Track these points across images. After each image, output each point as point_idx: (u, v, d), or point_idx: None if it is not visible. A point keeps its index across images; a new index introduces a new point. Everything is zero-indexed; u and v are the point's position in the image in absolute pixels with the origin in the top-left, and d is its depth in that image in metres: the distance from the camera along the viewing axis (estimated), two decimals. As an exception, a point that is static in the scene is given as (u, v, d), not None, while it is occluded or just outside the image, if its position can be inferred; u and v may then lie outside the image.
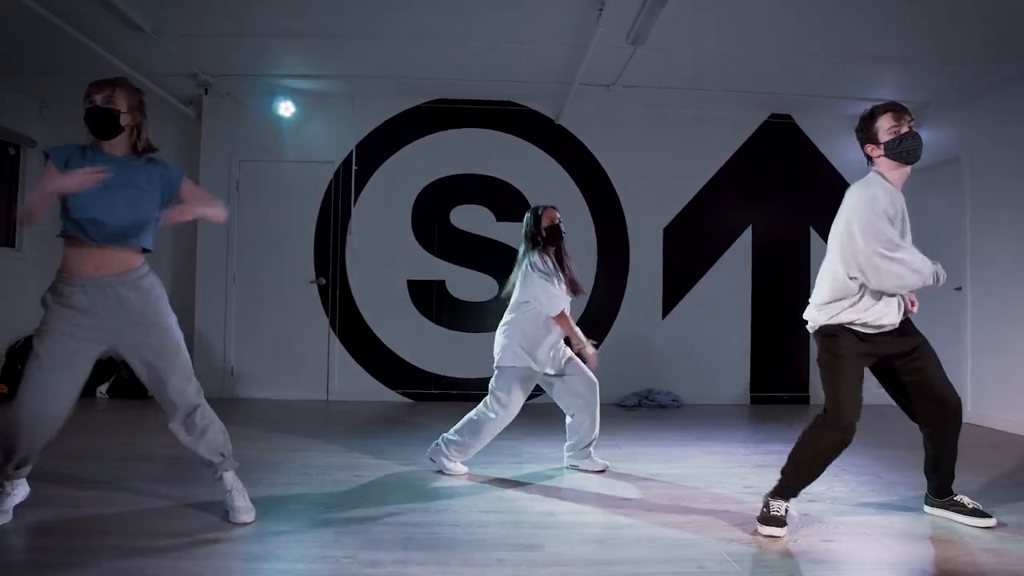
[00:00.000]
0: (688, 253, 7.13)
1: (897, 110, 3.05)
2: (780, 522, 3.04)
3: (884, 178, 3.07)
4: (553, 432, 5.48)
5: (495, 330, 6.84)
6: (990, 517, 3.16)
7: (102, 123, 2.98)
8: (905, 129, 3.03)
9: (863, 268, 2.99)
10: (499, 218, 7.00)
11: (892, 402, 3.31)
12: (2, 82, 6.56)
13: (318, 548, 2.80)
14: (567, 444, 4.35)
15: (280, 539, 2.92)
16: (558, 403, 4.36)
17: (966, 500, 3.25)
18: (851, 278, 3.04)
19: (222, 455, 3.19)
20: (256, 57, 6.12)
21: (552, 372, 4.25)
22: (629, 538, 3.01)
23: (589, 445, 4.28)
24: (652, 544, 2.93)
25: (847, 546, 2.93)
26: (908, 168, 3.10)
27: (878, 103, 3.13)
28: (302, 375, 6.92)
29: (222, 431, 3.24)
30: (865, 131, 3.12)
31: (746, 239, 7.14)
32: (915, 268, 2.99)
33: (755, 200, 7.09)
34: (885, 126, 3.04)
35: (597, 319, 7.06)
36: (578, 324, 6.84)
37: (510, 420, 4.10)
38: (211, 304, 6.92)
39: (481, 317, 6.98)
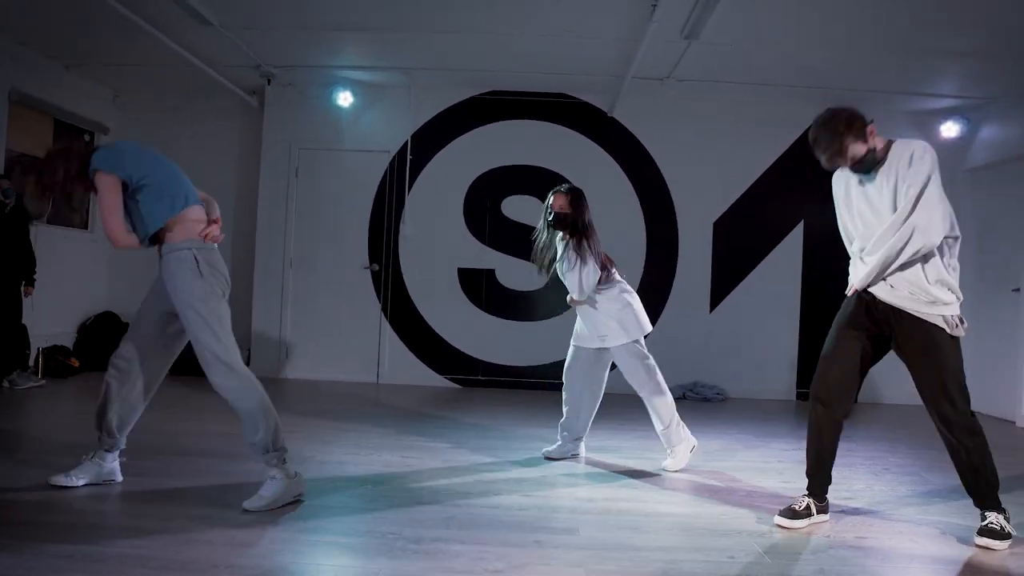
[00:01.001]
0: (738, 247, 7.12)
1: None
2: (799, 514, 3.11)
3: None
4: (599, 420, 5.56)
5: (543, 319, 7.04)
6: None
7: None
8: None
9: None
10: (550, 209, 7.08)
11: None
12: (79, 72, 6.89)
13: (366, 524, 2.96)
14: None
15: (331, 513, 3.08)
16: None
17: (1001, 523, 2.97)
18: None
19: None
20: (317, 49, 6.31)
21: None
22: (663, 526, 3.10)
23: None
24: (685, 532, 3.02)
25: (879, 543, 2.96)
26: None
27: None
28: (354, 358, 7.14)
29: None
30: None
31: (797, 235, 7.09)
32: None
33: (808, 196, 7.01)
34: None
35: (645, 310, 7.08)
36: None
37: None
38: (269, 287, 7.19)
39: (529, 306, 7.11)
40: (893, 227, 2.95)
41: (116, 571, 2.36)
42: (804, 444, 3.24)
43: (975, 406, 3.19)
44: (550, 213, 4.22)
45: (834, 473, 3.21)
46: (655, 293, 7.12)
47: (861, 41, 5.55)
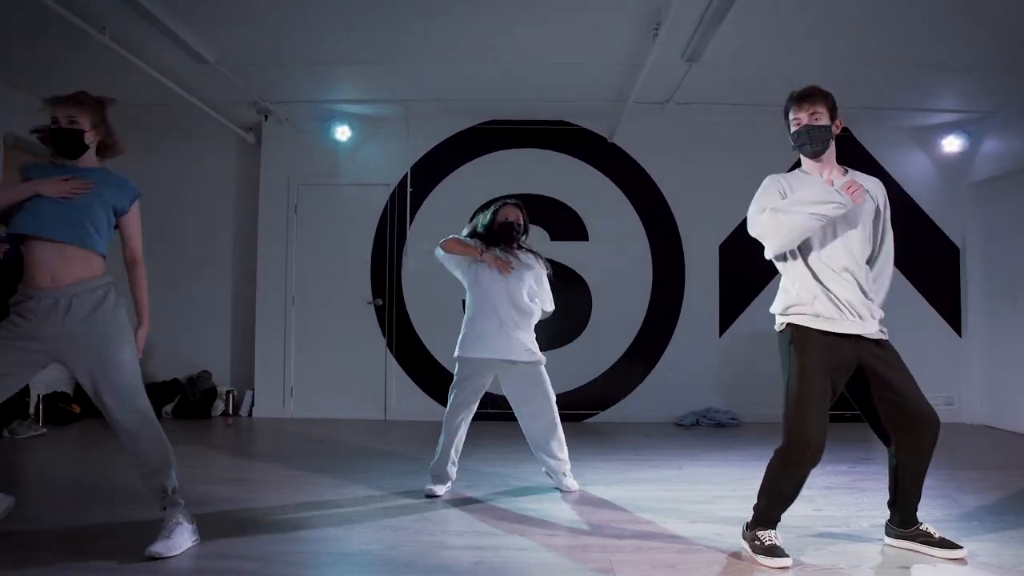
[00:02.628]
0: (745, 270, 7.04)
1: (800, 100, 2.99)
2: (780, 552, 2.93)
3: (802, 170, 3.13)
4: (615, 450, 5.47)
5: (551, 349, 6.91)
6: (959, 547, 2.96)
7: (66, 144, 3.00)
8: (804, 122, 2.97)
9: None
10: (553, 237, 7.02)
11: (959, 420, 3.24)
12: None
13: (389, 572, 2.83)
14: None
15: (351, 561, 2.96)
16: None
17: (932, 529, 3.05)
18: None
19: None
20: (313, 84, 6.26)
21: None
22: (700, 563, 2.98)
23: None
24: (724, 569, 2.90)
25: (923, 572, 2.85)
26: (819, 160, 3.04)
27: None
28: (360, 394, 7.00)
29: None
30: (785, 122, 3.11)
31: (804, 255, 7.02)
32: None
33: (813, 215, 6.97)
34: (791, 118, 3.03)
35: (653, 337, 7.02)
36: (634, 342, 6.94)
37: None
38: (271, 325, 7.07)
39: (536, 336, 6.97)
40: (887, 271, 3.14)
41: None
42: (829, 467, 3.18)
43: (990, 420, 3.22)
44: (508, 225, 4.12)
45: (864, 497, 3.15)
46: (663, 319, 7.04)
47: (860, 60, 5.53)
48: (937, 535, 3.02)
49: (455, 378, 4.07)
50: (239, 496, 4.01)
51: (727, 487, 4.34)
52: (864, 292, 2.97)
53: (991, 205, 6.81)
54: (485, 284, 4.01)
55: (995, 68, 5.59)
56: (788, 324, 3.04)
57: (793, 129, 3.01)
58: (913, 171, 7.03)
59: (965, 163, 6.97)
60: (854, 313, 2.92)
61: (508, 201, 4.19)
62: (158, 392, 7.05)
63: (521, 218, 4.15)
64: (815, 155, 3.02)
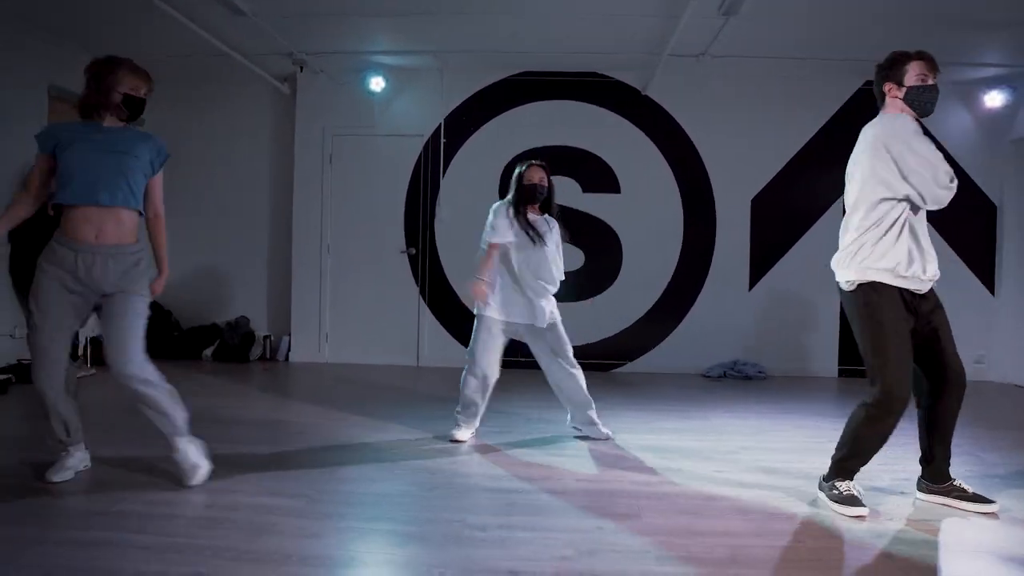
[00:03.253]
0: (776, 224, 7.04)
1: (931, 62, 3.04)
2: (858, 501, 3.06)
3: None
4: (644, 400, 5.60)
5: (579, 300, 7.04)
6: (992, 502, 3.07)
7: (138, 111, 3.20)
8: (931, 81, 3.01)
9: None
10: (585, 189, 7.06)
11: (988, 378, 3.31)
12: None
13: (429, 511, 2.99)
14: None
15: (391, 502, 3.12)
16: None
17: (965, 485, 3.16)
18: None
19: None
20: (348, 35, 6.29)
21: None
22: (723, 509, 3.10)
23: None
24: (746, 517, 3.01)
25: (951, 527, 2.94)
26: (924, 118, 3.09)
27: (907, 52, 3.09)
28: (393, 342, 7.18)
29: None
30: (892, 69, 3.09)
31: (836, 211, 6.97)
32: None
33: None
34: (915, 71, 3.02)
35: (683, 290, 7.08)
36: (663, 294, 7.01)
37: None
38: (307, 273, 7.24)
39: (567, 287, 7.05)
40: None
41: (192, 561, 2.41)
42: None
43: (1020, 379, 3.29)
44: (535, 188, 4.17)
45: (887, 453, 3.25)
46: (693, 272, 7.09)
47: (900, 15, 5.43)
48: (970, 490, 3.12)
49: (478, 331, 4.20)
50: (281, 437, 4.22)
51: (753, 438, 4.44)
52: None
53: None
54: (514, 259, 4.17)
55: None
56: (869, 282, 3.06)
57: (916, 83, 3.02)
58: (952, 126, 6.92)
59: (1007, 119, 6.85)
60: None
61: (533, 162, 4.24)
62: (198, 336, 7.30)
63: (545, 179, 4.20)
64: (928, 114, 3.07)
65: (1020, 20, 5.43)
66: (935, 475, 3.19)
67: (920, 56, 3.04)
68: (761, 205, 7.06)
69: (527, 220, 4.15)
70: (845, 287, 3.18)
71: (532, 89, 7.10)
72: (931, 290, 3.10)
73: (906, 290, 3.03)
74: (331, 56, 6.73)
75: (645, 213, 7.07)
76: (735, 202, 7.06)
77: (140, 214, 3.22)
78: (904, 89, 3.04)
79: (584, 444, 4.20)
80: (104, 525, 2.72)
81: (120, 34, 6.14)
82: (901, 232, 3.01)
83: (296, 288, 7.25)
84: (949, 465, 3.19)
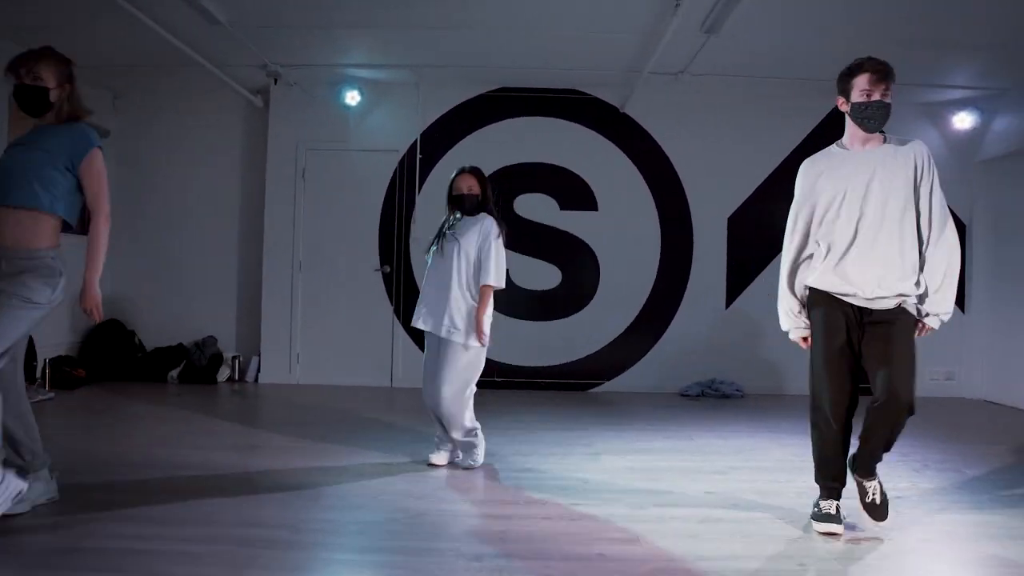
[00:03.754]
0: (753, 242, 7.05)
1: (877, 74, 2.93)
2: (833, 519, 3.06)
3: (841, 140, 3.12)
4: (624, 420, 5.53)
5: (558, 318, 6.97)
6: (839, 525, 3.01)
7: (30, 101, 2.90)
8: (876, 96, 2.92)
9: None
10: (562, 206, 7.01)
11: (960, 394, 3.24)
12: (77, 74, 6.70)
13: (420, 540, 2.86)
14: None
15: (379, 529, 3.00)
16: None
17: (871, 491, 3.06)
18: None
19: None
20: (324, 47, 6.18)
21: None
22: (722, 532, 3.03)
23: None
24: (747, 539, 2.94)
25: (947, 546, 2.91)
26: (871, 134, 3.00)
27: (859, 62, 2.98)
28: (367, 362, 7.02)
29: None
30: (841, 83, 3.04)
31: (812, 228, 7.04)
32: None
33: (822, 189, 6.98)
34: (860, 86, 2.94)
35: (660, 308, 7.05)
36: (641, 313, 6.98)
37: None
38: (277, 291, 7.05)
39: (544, 305, 7.03)
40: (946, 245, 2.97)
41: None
42: None
43: (990, 395, 3.21)
44: (462, 199, 4.03)
45: (878, 469, 3.19)
46: (670, 290, 7.06)
47: (874, 36, 5.47)
48: (870, 498, 3.06)
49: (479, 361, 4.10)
50: (258, 463, 4.04)
51: (739, 458, 4.40)
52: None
53: (1000, 183, 6.83)
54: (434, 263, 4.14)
55: (1009, 47, 5.58)
56: None
57: (859, 99, 2.94)
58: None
59: (975, 140, 6.97)
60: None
61: (464, 168, 4.09)
62: (163, 357, 7.06)
63: (475, 185, 4.01)
64: (874, 131, 2.99)
65: (988, 44, 5.55)
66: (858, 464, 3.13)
67: (867, 69, 2.94)
68: (738, 223, 7.07)
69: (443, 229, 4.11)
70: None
71: (510, 105, 7.05)
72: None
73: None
74: (306, 68, 6.61)
75: (622, 231, 7.03)
76: (712, 220, 7.07)
77: (57, 215, 2.91)
78: (849, 105, 3.00)
79: (569, 466, 4.11)
80: (71, 564, 2.53)
81: (85, 43, 5.93)
82: None
83: (266, 307, 7.06)
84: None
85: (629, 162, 7.05)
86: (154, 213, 7.27)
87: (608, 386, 7.03)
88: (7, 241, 2.82)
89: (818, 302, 3.11)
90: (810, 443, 3.25)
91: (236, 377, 7.10)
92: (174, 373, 6.98)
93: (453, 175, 4.07)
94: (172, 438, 4.56)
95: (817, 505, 3.13)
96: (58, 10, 5.25)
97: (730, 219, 7.08)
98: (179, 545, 2.73)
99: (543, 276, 7.02)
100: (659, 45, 5.40)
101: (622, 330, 7.04)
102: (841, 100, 3.05)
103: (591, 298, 7.05)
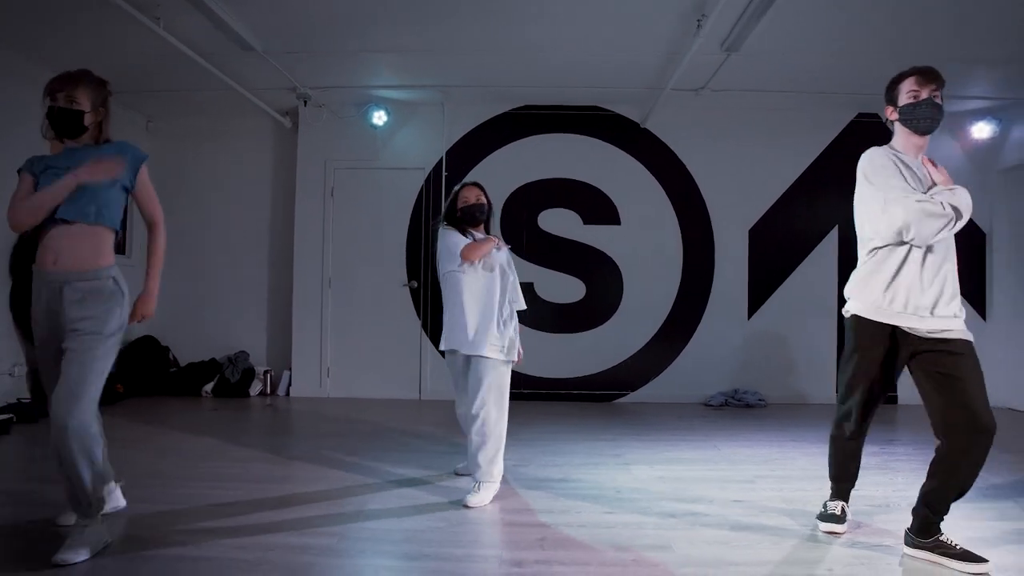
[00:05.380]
0: (774, 254, 7.16)
1: (924, 75, 2.88)
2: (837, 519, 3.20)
3: (893, 148, 2.98)
4: (650, 430, 5.62)
5: (583, 331, 7.09)
6: (983, 561, 2.76)
7: (65, 123, 2.87)
8: (924, 96, 2.86)
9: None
10: (586, 221, 7.15)
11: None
12: (112, 100, 6.88)
13: (461, 547, 2.99)
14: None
15: (423, 537, 3.11)
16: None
17: (953, 540, 2.86)
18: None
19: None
20: (352, 70, 6.36)
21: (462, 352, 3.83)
22: (753, 540, 3.12)
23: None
24: (777, 546, 3.04)
25: (978, 551, 2.98)
26: (922, 140, 2.94)
27: (904, 70, 2.96)
28: (396, 376, 7.17)
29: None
30: (888, 92, 3.01)
31: (832, 239, 7.13)
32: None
33: (842, 199, 6.95)
34: (906, 88, 2.90)
35: (683, 319, 7.15)
36: (664, 325, 7.07)
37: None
38: (308, 307, 7.23)
39: (569, 318, 7.15)
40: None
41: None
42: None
43: (1014, 403, 3.14)
44: (473, 209, 3.90)
45: (898, 477, 3.28)
46: (693, 302, 7.17)
47: (893, 52, 5.58)
48: (958, 547, 2.83)
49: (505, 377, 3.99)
50: (297, 474, 4.19)
51: (765, 467, 4.49)
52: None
53: (1020, 192, 6.89)
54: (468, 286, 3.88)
55: (1021, 59, 5.66)
56: None
57: (907, 101, 2.90)
58: (941, 157, 6.89)
59: (994, 150, 7.04)
60: None
61: (466, 183, 4.03)
62: (197, 372, 7.25)
63: (482, 196, 3.95)
64: (926, 132, 2.91)
65: (1005, 56, 5.63)
66: (920, 528, 2.92)
67: (913, 72, 2.91)
68: (759, 235, 7.17)
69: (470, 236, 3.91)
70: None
71: (533, 122, 7.21)
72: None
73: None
74: (334, 90, 6.80)
75: (645, 244, 7.15)
76: (733, 232, 7.18)
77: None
78: (898, 110, 2.95)
79: (600, 475, 4.22)
80: (132, 573, 2.69)
81: (122, 70, 6.13)
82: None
83: (297, 322, 7.24)
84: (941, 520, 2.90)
85: (651, 176, 7.18)
86: (187, 232, 7.48)
87: (633, 397, 7.13)
88: (69, 263, 2.81)
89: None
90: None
91: (268, 391, 7.28)
92: (208, 387, 7.17)
93: (456, 191, 3.99)
94: (213, 451, 4.72)
95: (825, 505, 3.28)
96: (95, 36, 5.42)
97: (751, 231, 7.18)
98: (233, 552, 2.87)
99: (568, 289, 7.15)
100: (681, 63, 5.53)
101: (646, 341, 7.15)
102: (889, 109, 3.01)
103: (615, 310, 7.17)
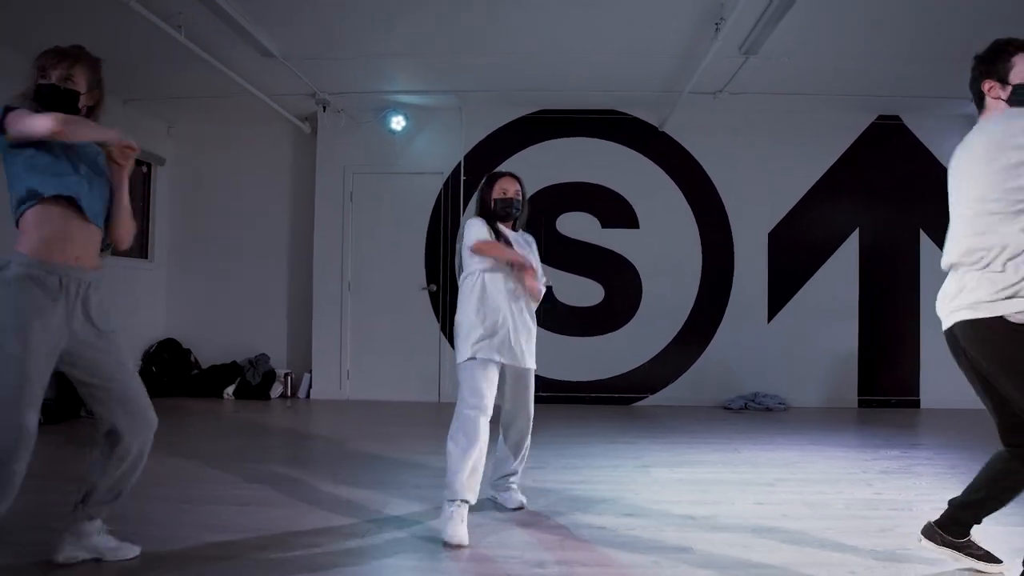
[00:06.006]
0: (794, 257, 7.12)
1: None
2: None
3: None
4: (670, 433, 5.62)
5: (602, 334, 7.09)
6: (999, 561, 2.69)
7: (58, 104, 2.47)
8: None
9: None
10: (604, 224, 7.16)
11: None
12: (135, 106, 7.04)
13: (483, 547, 3.01)
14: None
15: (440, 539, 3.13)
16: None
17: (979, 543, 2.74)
18: None
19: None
20: (371, 75, 6.42)
21: (500, 360, 3.36)
22: (774, 542, 3.11)
23: (508, 476, 3.65)
24: (798, 548, 3.03)
25: (1008, 561, 2.95)
26: None
27: (1011, 40, 2.51)
28: (415, 378, 7.20)
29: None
30: (994, 63, 2.50)
31: (853, 242, 7.08)
32: None
33: (862, 203, 7.03)
34: (1022, 64, 2.44)
35: (703, 323, 7.14)
36: (683, 328, 7.05)
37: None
38: (328, 310, 7.28)
39: (587, 321, 7.16)
40: None
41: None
42: (883, 452, 3.20)
43: None
44: (507, 201, 3.54)
45: (922, 481, 3.13)
46: (712, 305, 7.15)
47: (915, 51, 5.57)
48: (982, 549, 2.75)
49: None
50: (319, 475, 4.21)
51: (787, 470, 4.47)
52: None
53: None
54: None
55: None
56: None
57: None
58: None
59: (1019, 151, 6.95)
60: None
61: (504, 172, 3.63)
62: (218, 374, 7.32)
63: (521, 192, 3.57)
64: None
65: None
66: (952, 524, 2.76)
67: (1017, 44, 2.47)
68: (778, 238, 7.15)
69: (505, 240, 3.48)
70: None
71: (550, 126, 7.23)
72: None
73: None
74: (352, 96, 6.86)
75: (664, 247, 7.15)
76: (752, 235, 7.15)
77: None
78: (1009, 88, 2.45)
79: (620, 478, 4.22)
80: (155, 572, 2.72)
81: (145, 77, 6.27)
82: None
83: (317, 325, 7.30)
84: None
85: (669, 180, 7.18)
86: (208, 237, 7.58)
87: (652, 400, 7.12)
88: (92, 261, 2.53)
89: None
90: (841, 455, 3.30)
91: (288, 393, 7.33)
92: (229, 390, 7.24)
93: (491, 179, 3.58)
94: (237, 451, 4.77)
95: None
96: (121, 47, 5.48)
97: (771, 234, 7.15)
98: (255, 553, 2.90)
99: (586, 293, 7.16)
100: (698, 67, 5.53)
101: (665, 345, 7.14)
102: (990, 84, 2.50)
103: (634, 314, 7.17)
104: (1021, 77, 2.43)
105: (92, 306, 2.53)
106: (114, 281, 2.77)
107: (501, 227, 3.53)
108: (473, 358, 3.33)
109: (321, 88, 6.63)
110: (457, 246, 3.56)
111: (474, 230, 3.43)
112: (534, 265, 3.49)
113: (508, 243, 3.48)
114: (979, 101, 2.58)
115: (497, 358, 3.34)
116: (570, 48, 5.65)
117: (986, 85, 2.52)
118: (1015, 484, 2.60)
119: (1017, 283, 2.34)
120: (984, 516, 2.71)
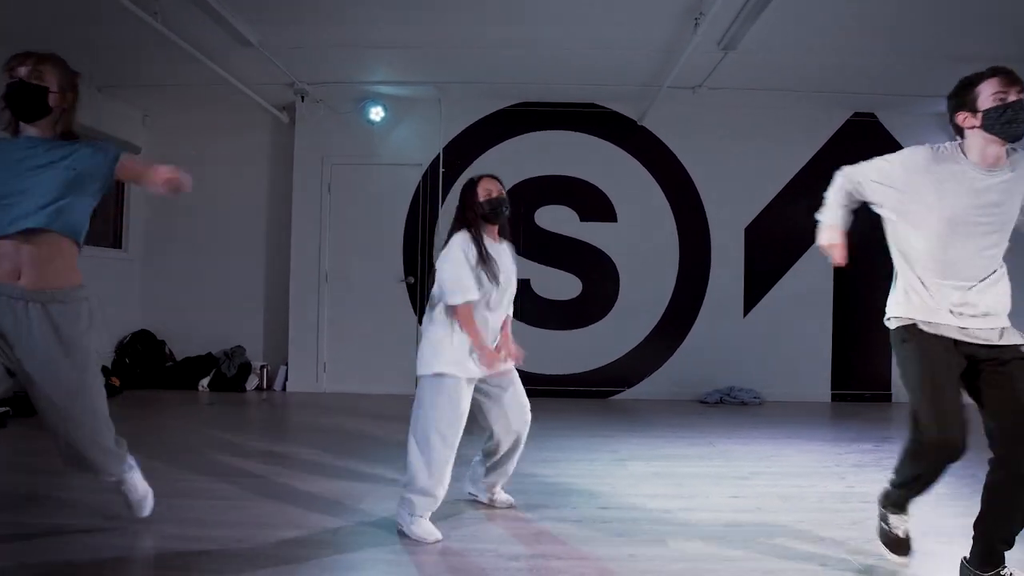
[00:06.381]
0: (770, 252, 7.17)
1: (1007, 75, 2.52)
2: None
3: (964, 154, 2.60)
4: (646, 427, 5.65)
5: (578, 328, 7.11)
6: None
7: (26, 101, 2.48)
8: (1013, 98, 2.48)
9: None
10: (583, 218, 7.16)
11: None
12: (110, 94, 6.93)
13: (460, 541, 3.01)
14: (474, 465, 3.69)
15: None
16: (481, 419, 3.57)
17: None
18: None
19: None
20: (350, 65, 6.37)
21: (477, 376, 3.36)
22: (747, 535, 3.15)
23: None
24: (771, 542, 3.07)
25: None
26: (1001, 148, 2.55)
27: (978, 73, 2.57)
28: (392, 371, 7.15)
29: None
30: (962, 97, 2.59)
31: (828, 238, 7.14)
32: None
33: (838, 198, 7.09)
34: (990, 90, 2.51)
35: (679, 317, 7.18)
36: (660, 322, 7.09)
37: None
38: (305, 302, 7.23)
39: (565, 315, 7.17)
40: None
41: None
42: (856, 445, 3.21)
43: None
44: (496, 201, 3.33)
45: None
46: (689, 299, 7.19)
47: (891, 49, 5.62)
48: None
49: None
50: (293, 470, 4.20)
51: (762, 463, 4.51)
52: None
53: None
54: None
55: (1021, 59, 5.66)
56: None
57: (994, 104, 2.49)
58: None
59: (996, 151, 7.04)
60: None
61: (484, 174, 3.42)
62: (193, 366, 7.25)
63: (503, 191, 3.39)
64: (1018, 137, 2.54)
65: (1011, 56, 5.62)
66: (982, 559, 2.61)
67: (994, 72, 2.54)
68: (754, 233, 7.19)
69: (486, 253, 3.28)
70: None
71: (530, 119, 7.21)
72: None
73: None
74: (331, 86, 6.80)
75: (641, 241, 7.17)
76: (729, 230, 7.20)
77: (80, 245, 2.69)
78: (980, 115, 2.52)
79: (596, 471, 4.24)
80: (121, 570, 2.69)
81: (120, 64, 6.18)
82: None
83: (293, 317, 7.24)
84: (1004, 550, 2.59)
85: (647, 174, 7.19)
86: (184, 227, 7.49)
87: (628, 393, 7.15)
88: (40, 282, 2.52)
89: None
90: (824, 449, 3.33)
91: (264, 386, 7.28)
92: (204, 382, 7.17)
93: (472, 184, 3.36)
94: (210, 444, 4.73)
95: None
96: (92, 30, 5.37)
97: (747, 228, 7.20)
98: (229, 546, 2.88)
99: (564, 286, 7.17)
100: (678, 61, 5.55)
101: (642, 339, 7.17)
102: (963, 116, 2.58)
103: (611, 307, 7.19)
104: (988, 102, 2.52)
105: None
106: (87, 271, 2.73)
107: (487, 241, 3.31)
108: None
109: (299, 78, 6.57)
110: (436, 258, 3.36)
111: (458, 269, 3.19)
112: (504, 355, 3.51)
113: (495, 262, 3.30)
114: (959, 134, 2.67)
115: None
116: (550, 41, 5.64)
117: (959, 117, 2.62)
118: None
119: None
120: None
